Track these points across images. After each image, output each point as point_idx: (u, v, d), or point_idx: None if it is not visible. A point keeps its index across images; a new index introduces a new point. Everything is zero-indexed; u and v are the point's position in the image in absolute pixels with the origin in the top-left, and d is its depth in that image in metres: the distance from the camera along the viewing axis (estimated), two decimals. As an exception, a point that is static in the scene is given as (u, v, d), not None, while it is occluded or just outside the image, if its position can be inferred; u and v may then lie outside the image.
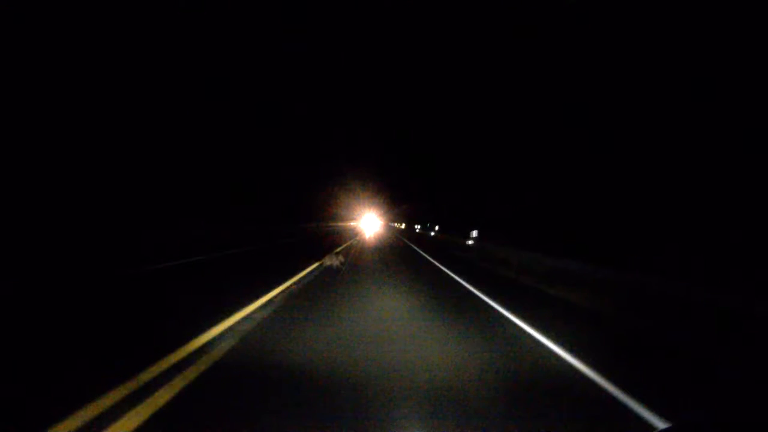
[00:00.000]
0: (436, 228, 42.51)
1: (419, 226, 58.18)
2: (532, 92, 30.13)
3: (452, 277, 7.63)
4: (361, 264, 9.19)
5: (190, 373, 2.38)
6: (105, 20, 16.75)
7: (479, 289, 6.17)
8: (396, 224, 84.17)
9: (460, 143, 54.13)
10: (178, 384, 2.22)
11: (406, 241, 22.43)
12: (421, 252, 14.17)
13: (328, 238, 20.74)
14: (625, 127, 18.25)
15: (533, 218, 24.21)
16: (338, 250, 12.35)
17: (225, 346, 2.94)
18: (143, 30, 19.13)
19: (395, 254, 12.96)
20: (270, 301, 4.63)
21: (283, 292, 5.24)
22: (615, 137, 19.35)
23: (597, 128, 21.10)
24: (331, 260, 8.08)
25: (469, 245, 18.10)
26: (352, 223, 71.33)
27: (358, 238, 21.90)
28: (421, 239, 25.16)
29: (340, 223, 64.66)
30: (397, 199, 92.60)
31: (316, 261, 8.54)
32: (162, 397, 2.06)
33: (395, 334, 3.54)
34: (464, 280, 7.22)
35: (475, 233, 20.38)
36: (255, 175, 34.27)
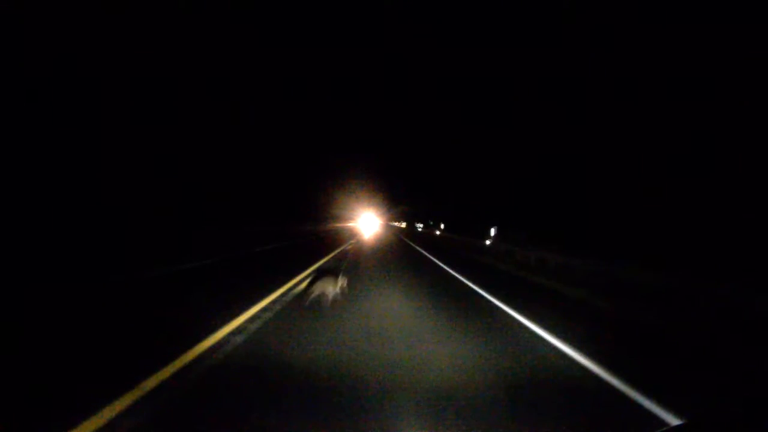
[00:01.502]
0: (441, 226, 39.21)
1: (421, 225, 54.77)
2: (537, 85, 27.43)
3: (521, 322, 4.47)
4: (359, 286, 5.97)
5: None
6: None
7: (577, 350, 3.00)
8: (396, 223, 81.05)
9: (464, 138, 51.27)
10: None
11: (411, 243, 19.27)
12: (435, 259, 10.91)
13: (322, 241, 17.50)
14: (641, 130, 16.40)
15: (557, 213, 21.13)
16: (325, 261, 9.16)
17: None
18: (144, 31, 18.17)
19: (403, 261, 9.66)
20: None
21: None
22: (621, 138, 17.46)
23: (606, 127, 18.83)
24: (317, 284, 4.66)
25: (489, 246, 14.98)
26: (350, 224, 67.94)
27: (354, 240, 18.65)
28: (428, 240, 22.15)
29: (337, 224, 61.37)
30: (396, 197, 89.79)
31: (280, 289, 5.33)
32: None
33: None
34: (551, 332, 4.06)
35: (493, 231, 17.29)
36: (248, 175, 31.80)
